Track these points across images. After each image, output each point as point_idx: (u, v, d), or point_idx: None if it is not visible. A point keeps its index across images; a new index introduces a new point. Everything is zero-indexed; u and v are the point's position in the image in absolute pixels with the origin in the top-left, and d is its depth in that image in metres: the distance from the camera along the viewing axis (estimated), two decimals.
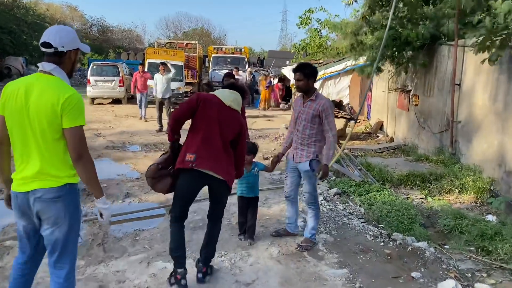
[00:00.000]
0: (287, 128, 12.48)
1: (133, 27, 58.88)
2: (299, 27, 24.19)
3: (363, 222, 4.85)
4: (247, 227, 4.26)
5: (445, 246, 4.31)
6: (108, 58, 39.29)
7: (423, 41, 8.03)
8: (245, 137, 3.40)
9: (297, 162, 4.01)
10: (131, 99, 18.22)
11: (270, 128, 12.75)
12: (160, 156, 3.40)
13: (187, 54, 22.25)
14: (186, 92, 18.26)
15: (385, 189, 5.92)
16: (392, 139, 10.50)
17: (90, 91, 17.27)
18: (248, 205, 4.32)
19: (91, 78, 17.33)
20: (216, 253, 3.56)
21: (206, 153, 3.13)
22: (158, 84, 11.12)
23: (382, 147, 9.34)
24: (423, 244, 4.17)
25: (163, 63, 11.49)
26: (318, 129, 3.88)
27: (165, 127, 10.16)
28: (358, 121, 11.47)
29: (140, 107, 13.34)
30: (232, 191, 3.72)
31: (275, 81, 19.55)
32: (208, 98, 3.22)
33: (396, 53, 8.52)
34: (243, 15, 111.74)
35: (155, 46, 22.35)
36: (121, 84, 17.56)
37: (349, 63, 12.60)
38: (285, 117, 15.43)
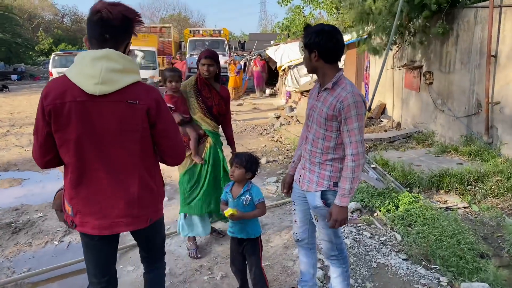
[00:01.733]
0: (277, 117, 11.03)
1: None
2: (281, 5, 22.56)
3: (406, 260, 3.36)
4: (252, 284, 2.80)
5: None
6: (83, 49, 37.03)
7: (441, 4, 6.50)
8: (166, 118, 1.95)
9: (304, 190, 2.51)
10: None
11: (257, 118, 11.18)
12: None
13: (161, 39, 20.46)
14: (161, 81, 16.51)
15: (419, 200, 4.46)
16: (399, 125, 9.05)
17: None
18: (243, 250, 2.82)
19: (54, 70, 15.60)
20: None
21: (88, 203, 1.87)
22: None
23: (391, 136, 7.88)
24: None
25: None
26: (338, 139, 2.35)
27: None
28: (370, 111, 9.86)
29: None
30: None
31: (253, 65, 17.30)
32: (57, 96, 1.75)
33: (407, 20, 6.98)
34: None
35: None
36: None
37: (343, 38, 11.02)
38: (272, 103, 13.87)
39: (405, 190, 4.81)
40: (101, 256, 2.04)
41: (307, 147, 2.47)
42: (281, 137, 8.54)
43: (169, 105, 3.35)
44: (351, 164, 2.24)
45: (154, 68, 15.95)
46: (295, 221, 2.71)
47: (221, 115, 3.53)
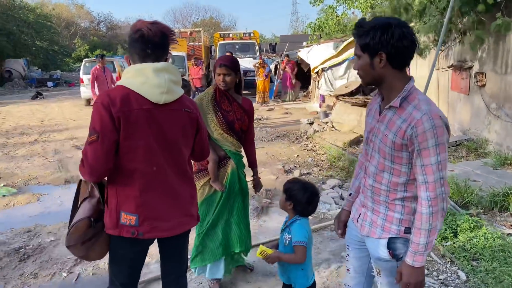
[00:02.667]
0: (311, 123, 10.38)
1: None
2: (313, 5, 21.86)
3: None
4: None
5: None
6: (117, 55, 37.70)
7: None
8: (204, 126, 2.22)
9: (364, 235, 1.94)
10: None
11: (288, 124, 10.60)
12: (81, 202, 2.03)
13: (192, 44, 20.25)
14: (202, 86, 16.25)
15: (482, 225, 3.78)
16: None
17: (84, 91, 15.40)
18: None
19: (84, 77, 15.49)
20: None
21: (157, 206, 1.96)
22: None
23: None
24: None
25: None
26: (410, 174, 1.76)
27: None
28: None
29: None
30: None
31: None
32: (124, 104, 1.83)
33: (459, 16, 6.24)
34: (252, 0, 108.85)
35: None
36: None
37: None
38: (305, 108, 13.26)
39: (463, 212, 4.13)
40: (141, 262, 2.10)
41: (367, 181, 1.90)
42: (315, 146, 7.93)
43: None
44: (427, 211, 1.65)
45: (183, 74, 15.71)
46: (348, 269, 2.13)
47: (244, 132, 3.00)
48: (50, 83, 27.21)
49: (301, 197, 2.30)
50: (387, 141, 1.73)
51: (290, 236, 2.30)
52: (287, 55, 16.01)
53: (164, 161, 1.94)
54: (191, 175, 2.13)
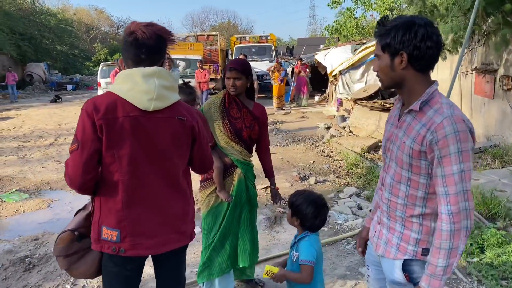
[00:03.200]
0: (328, 128, 10.13)
1: None
2: (331, 7, 21.56)
3: None
4: None
5: None
6: None
7: None
8: (204, 134, 2.00)
9: (379, 254, 1.76)
10: None
11: (304, 128, 10.38)
12: (76, 213, 1.98)
13: (208, 47, 20.23)
14: (209, 89, 16.20)
15: (511, 240, 3.52)
16: None
17: None
18: None
19: (102, 81, 15.63)
20: None
21: (141, 222, 1.79)
22: None
23: None
24: None
25: (167, 58, 9.37)
26: (430, 187, 1.58)
27: None
28: None
29: None
30: None
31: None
32: (108, 111, 1.70)
33: (483, 17, 5.97)
34: (269, 4, 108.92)
35: None
36: None
37: None
38: (322, 112, 13.02)
39: (490, 225, 3.87)
40: (135, 280, 1.92)
41: (383, 194, 1.75)
42: (332, 152, 7.70)
43: None
44: (448, 227, 1.47)
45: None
46: None
47: (254, 140, 2.82)
48: (69, 87, 27.59)
49: (306, 212, 2.15)
50: (404, 148, 1.58)
51: (297, 254, 2.15)
52: (300, 59, 15.63)
53: (152, 173, 1.79)
54: (185, 188, 1.94)
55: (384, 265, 1.75)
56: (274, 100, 14.10)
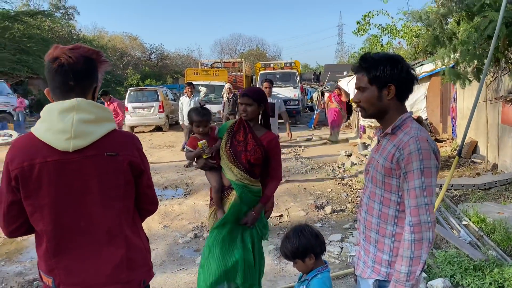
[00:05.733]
0: (349, 155, 9.97)
1: (189, 52, 59.79)
2: (357, 35, 21.59)
3: None
4: None
5: None
6: (166, 84, 39.26)
7: None
8: (148, 166, 1.78)
9: (358, 274, 1.92)
10: (174, 125, 16.98)
11: (325, 155, 10.24)
12: None
13: (234, 73, 20.63)
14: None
15: None
16: (495, 167, 7.61)
17: (129, 119, 15.98)
18: None
19: (129, 105, 16.21)
20: None
21: (74, 271, 1.63)
22: (185, 108, 9.22)
23: (487, 181, 6.54)
24: None
25: (189, 84, 9.56)
26: (400, 205, 1.72)
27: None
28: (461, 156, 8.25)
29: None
30: None
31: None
32: (24, 158, 1.55)
33: (506, 44, 5.81)
34: (297, 32, 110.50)
35: (199, 67, 20.88)
36: (161, 110, 16.26)
37: (426, 67, 9.86)
38: (346, 138, 12.86)
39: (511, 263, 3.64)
40: None
41: (361, 214, 1.90)
42: (351, 180, 7.54)
43: (187, 147, 2.96)
44: (410, 237, 1.62)
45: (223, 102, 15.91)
46: None
47: (255, 165, 2.79)
48: None
49: (299, 251, 2.09)
50: (378, 166, 1.74)
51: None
52: (338, 88, 13.34)
53: (81, 220, 1.60)
54: (128, 233, 1.70)
55: (362, 285, 1.85)
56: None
